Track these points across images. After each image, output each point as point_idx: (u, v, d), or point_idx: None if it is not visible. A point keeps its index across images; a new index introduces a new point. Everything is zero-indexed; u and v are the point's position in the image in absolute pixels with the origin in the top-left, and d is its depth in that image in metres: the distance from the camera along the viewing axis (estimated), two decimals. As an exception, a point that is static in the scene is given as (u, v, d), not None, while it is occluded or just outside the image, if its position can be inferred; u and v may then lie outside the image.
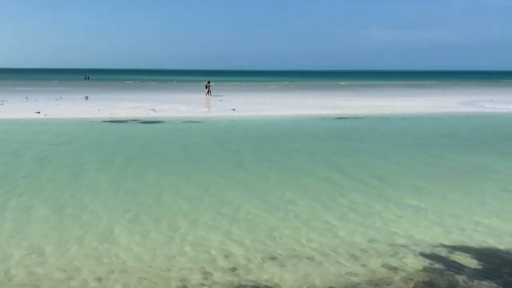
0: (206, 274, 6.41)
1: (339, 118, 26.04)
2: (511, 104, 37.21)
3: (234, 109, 29.49)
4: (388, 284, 6.19)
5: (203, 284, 6.13)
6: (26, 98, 37.75)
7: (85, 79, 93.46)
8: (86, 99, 34.56)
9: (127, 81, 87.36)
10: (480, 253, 7.20)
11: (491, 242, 7.68)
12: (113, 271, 6.46)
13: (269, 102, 37.49)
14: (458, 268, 6.68)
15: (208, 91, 44.52)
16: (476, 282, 6.25)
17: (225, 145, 16.62)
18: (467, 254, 7.15)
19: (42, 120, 23.29)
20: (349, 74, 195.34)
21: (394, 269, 6.64)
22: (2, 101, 34.15)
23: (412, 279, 6.32)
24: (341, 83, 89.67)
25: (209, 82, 47.00)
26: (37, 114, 25.67)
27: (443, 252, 7.24)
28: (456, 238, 7.82)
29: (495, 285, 6.17)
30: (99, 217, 8.70)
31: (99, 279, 6.22)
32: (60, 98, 38.00)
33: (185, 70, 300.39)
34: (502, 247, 7.48)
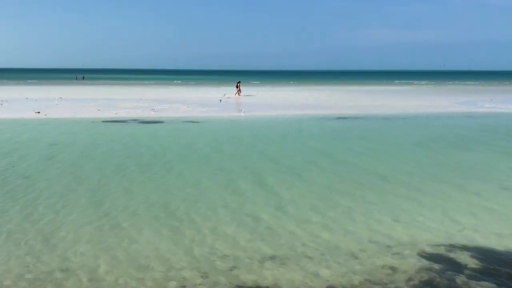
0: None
1: (338, 118, 26.05)
2: (511, 104, 37.24)
3: (242, 110, 29.11)
4: (388, 284, 6.22)
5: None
6: (26, 98, 37.75)
7: (76, 78, 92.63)
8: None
9: (125, 81, 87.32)
10: (480, 253, 7.22)
11: (491, 242, 7.70)
12: None
13: (269, 102, 37.53)
14: (458, 268, 6.71)
15: (238, 90, 45.18)
16: (476, 282, 6.27)
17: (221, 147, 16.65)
18: (467, 254, 7.18)
19: (42, 120, 23.29)
20: (348, 74, 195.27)
21: (394, 269, 6.67)
22: (2, 101, 34.16)
23: (412, 279, 6.35)
24: (340, 83, 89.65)
25: (239, 82, 47.44)
26: (37, 114, 25.67)
27: (443, 252, 7.26)
28: (456, 238, 7.84)
29: (495, 285, 6.20)
30: (95, 217, 8.75)
31: None
32: (60, 98, 37.99)
33: (181, 70, 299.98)
34: (502, 247, 7.50)
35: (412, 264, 6.83)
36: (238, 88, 45.48)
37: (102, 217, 8.73)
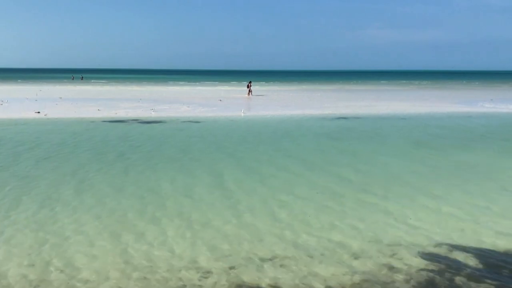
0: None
1: (338, 118, 26.04)
2: (511, 104, 37.23)
3: (241, 111, 29.06)
4: (388, 284, 6.20)
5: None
6: (26, 98, 37.75)
7: (72, 78, 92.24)
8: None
9: (124, 81, 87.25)
10: (480, 253, 7.21)
11: (491, 242, 7.70)
12: None
13: (269, 102, 37.52)
14: (458, 268, 6.70)
15: (249, 91, 45.51)
16: (476, 282, 6.26)
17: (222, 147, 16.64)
18: (467, 254, 7.17)
19: (42, 120, 23.27)
20: (348, 74, 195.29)
21: (394, 269, 6.66)
22: (2, 101, 34.14)
23: (412, 279, 6.33)
24: (340, 82, 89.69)
25: (250, 82, 47.75)
26: (37, 114, 25.66)
27: (443, 252, 7.25)
28: (456, 238, 7.83)
29: (495, 285, 6.19)
30: (97, 217, 8.74)
31: None
32: (60, 98, 37.99)
33: (180, 70, 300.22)
34: (502, 247, 7.50)
35: (412, 264, 6.82)
36: (249, 89, 45.93)
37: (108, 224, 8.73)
